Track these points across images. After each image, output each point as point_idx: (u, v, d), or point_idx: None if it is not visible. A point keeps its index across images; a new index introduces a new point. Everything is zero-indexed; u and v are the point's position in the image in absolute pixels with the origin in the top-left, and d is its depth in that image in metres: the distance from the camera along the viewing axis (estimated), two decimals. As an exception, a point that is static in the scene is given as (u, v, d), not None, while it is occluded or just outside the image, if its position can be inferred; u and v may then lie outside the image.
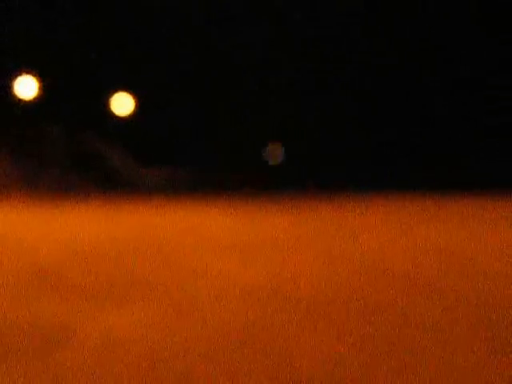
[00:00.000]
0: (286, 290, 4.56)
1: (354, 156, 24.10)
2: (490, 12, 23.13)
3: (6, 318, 3.67)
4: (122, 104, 23.61)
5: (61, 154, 23.65)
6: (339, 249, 7.24)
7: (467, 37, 23.81)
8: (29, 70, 23.48)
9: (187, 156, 22.90)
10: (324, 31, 24.13)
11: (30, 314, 3.74)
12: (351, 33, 24.23)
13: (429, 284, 4.84)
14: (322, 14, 24.40)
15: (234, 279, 5.07)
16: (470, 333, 3.30)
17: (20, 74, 23.50)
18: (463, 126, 24.32)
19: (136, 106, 23.59)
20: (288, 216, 13.47)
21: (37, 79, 23.61)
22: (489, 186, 23.85)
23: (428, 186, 24.17)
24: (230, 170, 23.32)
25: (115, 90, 23.67)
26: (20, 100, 23.76)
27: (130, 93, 23.67)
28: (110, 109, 23.69)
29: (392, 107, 24.43)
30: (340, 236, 8.89)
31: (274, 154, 19.10)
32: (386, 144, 24.32)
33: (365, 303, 4.07)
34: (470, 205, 18.63)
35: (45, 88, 23.54)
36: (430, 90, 24.41)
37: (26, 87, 23.78)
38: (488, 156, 23.88)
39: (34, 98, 23.83)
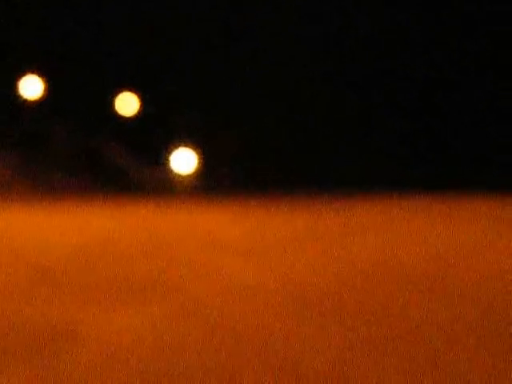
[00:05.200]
0: (291, 291, 4.56)
1: (355, 156, 24.05)
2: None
3: (12, 318, 3.68)
4: (127, 104, 23.58)
5: (65, 154, 23.66)
6: (343, 249, 7.24)
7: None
8: (34, 70, 23.49)
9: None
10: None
11: (35, 315, 3.75)
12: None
13: (433, 283, 4.84)
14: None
15: (240, 280, 5.08)
16: (474, 332, 3.31)
17: (25, 74, 23.51)
18: (464, 126, 24.27)
19: (141, 106, 23.56)
20: (292, 216, 13.47)
21: (42, 79, 23.62)
22: (490, 185, 23.78)
23: (429, 185, 24.09)
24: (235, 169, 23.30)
25: (120, 90, 23.67)
26: (25, 100, 23.76)
27: (135, 93, 23.67)
28: (114, 109, 23.68)
29: (392, 106, 24.38)
30: (344, 236, 8.89)
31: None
32: (386, 143, 24.27)
33: (370, 303, 4.07)
34: (472, 204, 18.60)
35: (50, 88, 23.53)
36: (429, 87, 24.35)
37: (31, 87, 23.77)
38: (488, 155, 23.82)
39: (39, 98, 23.83)
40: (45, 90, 23.39)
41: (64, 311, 3.85)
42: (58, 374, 2.61)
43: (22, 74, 23.32)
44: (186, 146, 22.31)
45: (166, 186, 22.95)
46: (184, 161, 22.53)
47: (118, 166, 23.59)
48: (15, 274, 5.31)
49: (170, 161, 22.67)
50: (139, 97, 23.45)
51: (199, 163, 22.46)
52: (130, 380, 2.53)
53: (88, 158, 23.55)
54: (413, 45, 24.38)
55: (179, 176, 22.55)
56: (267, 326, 3.47)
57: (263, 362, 2.78)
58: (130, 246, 7.58)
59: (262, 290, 4.56)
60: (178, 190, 22.35)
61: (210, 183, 22.82)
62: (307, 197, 22.01)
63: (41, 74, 23.36)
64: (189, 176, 22.68)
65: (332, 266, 5.79)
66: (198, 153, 22.54)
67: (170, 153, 22.50)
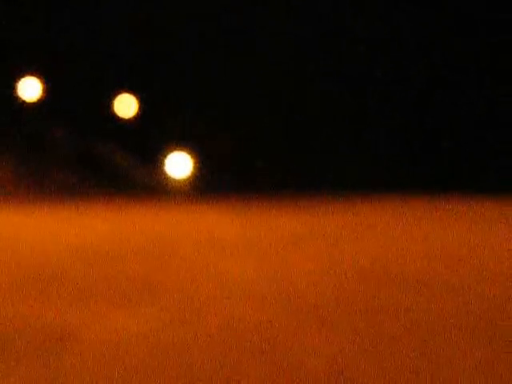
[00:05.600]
0: (291, 291, 4.57)
1: (353, 157, 24.06)
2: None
3: (8, 318, 3.68)
4: (126, 106, 23.58)
5: (64, 156, 23.66)
6: (343, 249, 7.25)
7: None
8: (32, 72, 23.48)
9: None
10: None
11: (34, 315, 3.76)
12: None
13: (432, 283, 4.85)
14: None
15: (239, 280, 5.09)
16: (474, 331, 3.32)
17: (24, 76, 23.50)
18: (463, 127, 24.28)
19: (138, 107, 23.56)
20: (292, 217, 13.47)
21: (41, 81, 23.61)
22: (488, 186, 23.77)
23: (427, 186, 24.09)
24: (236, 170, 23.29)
25: (118, 92, 23.66)
26: (24, 101, 23.75)
27: (134, 94, 23.67)
28: (113, 110, 23.68)
29: (390, 108, 24.39)
30: (343, 237, 8.90)
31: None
32: (385, 145, 24.27)
33: (368, 303, 4.08)
34: (470, 204, 18.60)
35: (49, 90, 23.53)
36: (429, 86, 24.35)
37: (30, 89, 23.77)
38: (486, 157, 23.83)
39: (38, 100, 23.82)
40: (44, 91, 23.38)
41: (60, 312, 3.86)
42: (53, 374, 2.62)
43: (21, 75, 23.32)
44: (181, 149, 22.33)
45: (162, 189, 22.96)
46: (179, 164, 22.54)
47: (115, 167, 23.59)
48: (12, 275, 5.32)
49: (165, 164, 22.69)
50: (138, 98, 23.46)
51: (195, 166, 22.46)
52: (127, 380, 2.54)
53: (86, 159, 23.54)
54: (412, 47, 24.39)
55: (174, 180, 22.56)
56: (265, 325, 3.47)
57: (262, 362, 2.79)
58: (127, 246, 7.59)
59: (259, 290, 4.56)
60: (174, 192, 22.37)
61: (207, 184, 22.83)
62: (305, 198, 22.01)
63: (40, 75, 23.36)
64: (184, 179, 22.68)
65: (331, 266, 5.79)
66: (194, 155, 22.54)
67: (165, 156, 22.52)
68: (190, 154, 22.41)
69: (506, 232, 9.62)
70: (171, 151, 22.42)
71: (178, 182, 22.40)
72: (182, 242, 8.08)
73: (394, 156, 24.58)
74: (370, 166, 24.31)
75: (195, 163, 22.60)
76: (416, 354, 2.89)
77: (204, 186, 23.00)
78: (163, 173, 22.96)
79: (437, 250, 7.23)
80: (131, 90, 23.44)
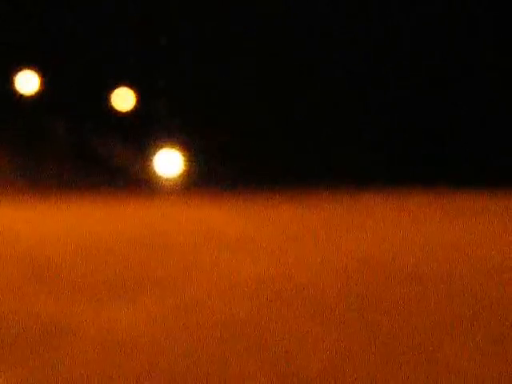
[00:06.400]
0: (292, 286, 4.55)
1: (350, 152, 24.08)
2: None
3: (6, 314, 3.66)
4: (123, 99, 23.53)
5: (62, 150, 23.63)
6: (344, 245, 7.24)
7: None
8: (30, 65, 23.44)
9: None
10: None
11: (32, 311, 3.74)
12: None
13: (432, 280, 4.84)
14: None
15: (240, 275, 5.07)
16: (473, 327, 3.30)
17: (21, 69, 23.46)
18: (465, 122, 24.31)
19: (137, 100, 23.52)
20: (291, 212, 13.47)
21: (38, 74, 23.58)
22: (492, 181, 23.77)
23: (424, 181, 24.10)
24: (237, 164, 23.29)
25: (116, 85, 23.63)
26: (21, 95, 23.72)
27: (131, 88, 23.64)
28: (110, 104, 23.65)
29: (391, 104, 24.40)
30: (344, 232, 8.89)
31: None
32: (387, 139, 24.29)
33: (369, 299, 4.06)
34: (474, 200, 18.62)
35: (46, 83, 23.49)
36: (429, 85, 24.38)
37: (27, 82, 23.72)
38: (486, 153, 23.87)
39: (36, 93, 23.78)
40: (41, 84, 23.33)
41: (59, 307, 3.83)
42: (53, 369, 2.59)
43: (18, 69, 23.26)
44: (173, 146, 22.33)
45: (159, 184, 22.96)
46: (171, 162, 22.54)
47: (113, 162, 23.58)
48: (9, 270, 5.29)
49: (161, 160, 22.69)
50: (136, 92, 23.43)
51: (193, 161, 22.45)
52: (124, 374, 2.51)
53: (83, 153, 23.52)
54: (411, 41, 24.40)
55: (165, 178, 22.57)
56: (263, 321, 3.45)
57: (259, 359, 2.76)
58: (125, 241, 7.57)
59: (258, 286, 4.55)
60: (170, 188, 22.39)
61: (204, 179, 22.84)
62: (305, 193, 22.03)
63: (37, 68, 23.30)
64: (180, 175, 22.68)
65: (331, 262, 5.78)
66: (191, 151, 22.53)
67: (161, 151, 22.52)
68: (187, 149, 22.41)
69: (506, 227, 9.62)
70: (167, 146, 22.42)
71: (174, 178, 22.40)
72: (180, 237, 8.06)
73: (394, 151, 24.60)
74: (370, 162, 24.33)
75: (193, 158, 22.60)
76: (414, 351, 2.87)
77: (201, 181, 22.99)
78: (159, 168, 22.97)
79: (436, 245, 7.22)
80: (129, 83, 23.39)
